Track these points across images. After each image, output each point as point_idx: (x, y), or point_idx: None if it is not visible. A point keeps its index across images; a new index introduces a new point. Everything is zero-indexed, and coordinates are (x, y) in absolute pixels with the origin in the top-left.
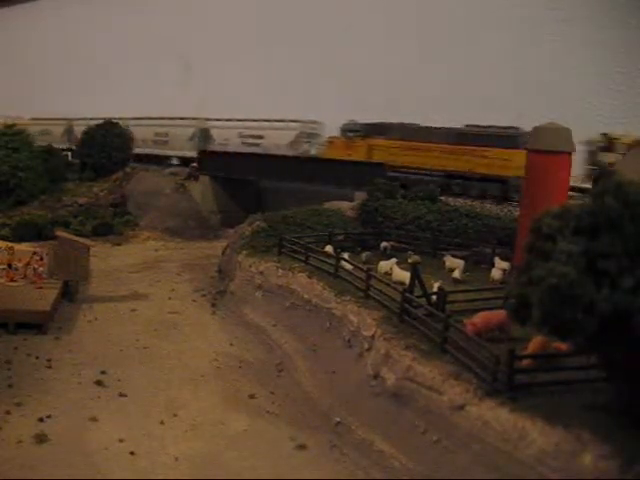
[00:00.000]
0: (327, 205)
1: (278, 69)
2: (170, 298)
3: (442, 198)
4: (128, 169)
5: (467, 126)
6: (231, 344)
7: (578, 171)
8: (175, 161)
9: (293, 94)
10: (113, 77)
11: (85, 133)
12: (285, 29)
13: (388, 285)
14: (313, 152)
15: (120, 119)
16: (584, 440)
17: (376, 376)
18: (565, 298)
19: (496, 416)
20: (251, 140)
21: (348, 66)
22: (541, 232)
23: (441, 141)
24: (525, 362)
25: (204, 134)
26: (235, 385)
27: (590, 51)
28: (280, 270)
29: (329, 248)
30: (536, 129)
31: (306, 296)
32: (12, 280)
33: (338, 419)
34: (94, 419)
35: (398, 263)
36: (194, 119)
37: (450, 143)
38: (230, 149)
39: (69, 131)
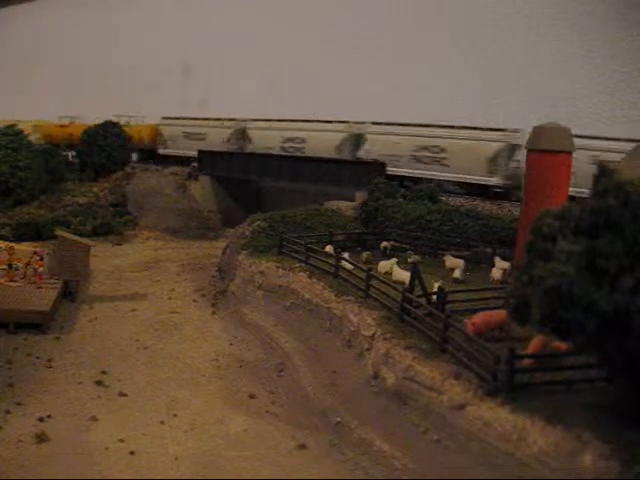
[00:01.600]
0: (327, 205)
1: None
2: (170, 298)
3: (442, 198)
4: (128, 169)
5: None
6: (231, 344)
7: None
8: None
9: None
10: (114, 77)
11: (85, 133)
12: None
13: (388, 285)
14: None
15: (292, 121)
16: (584, 440)
17: (376, 376)
18: (565, 298)
19: (496, 416)
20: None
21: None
22: (541, 232)
23: None
24: (525, 362)
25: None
26: (235, 385)
27: (590, 51)
28: (280, 270)
29: (329, 248)
30: (536, 129)
31: (306, 296)
32: (12, 280)
33: (338, 419)
34: (94, 419)
35: (398, 263)
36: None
37: None
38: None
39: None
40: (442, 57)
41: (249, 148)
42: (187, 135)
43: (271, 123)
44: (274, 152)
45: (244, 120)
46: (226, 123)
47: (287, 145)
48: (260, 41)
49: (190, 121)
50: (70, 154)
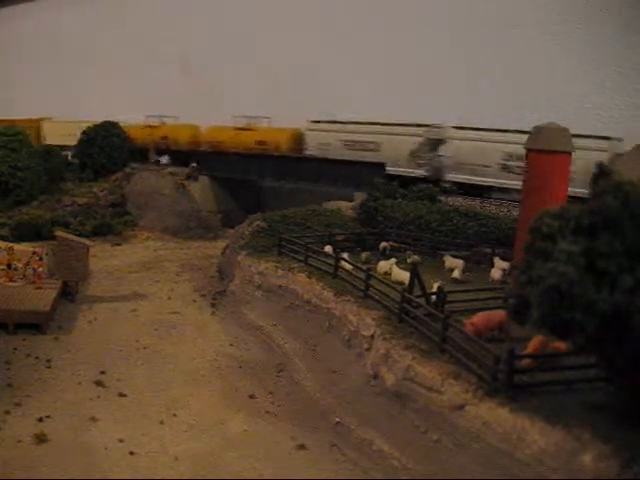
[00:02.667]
0: (326, 205)
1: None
2: (170, 298)
3: (442, 198)
4: (128, 169)
5: None
6: (231, 344)
7: None
8: None
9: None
10: (113, 77)
11: (84, 133)
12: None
13: (388, 285)
14: None
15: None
16: (584, 440)
17: (376, 376)
18: (565, 298)
19: (496, 416)
20: None
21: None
22: (540, 232)
23: None
24: (525, 362)
25: None
26: (235, 385)
27: (590, 51)
28: (280, 270)
29: (328, 248)
30: (536, 129)
31: (306, 296)
32: (11, 280)
33: (338, 419)
34: (94, 419)
35: (398, 263)
36: None
37: None
38: None
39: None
40: (441, 56)
41: (445, 163)
42: (349, 144)
43: (487, 134)
44: (488, 171)
45: (440, 127)
46: (412, 130)
47: (512, 163)
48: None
49: (355, 126)
50: (69, 154)
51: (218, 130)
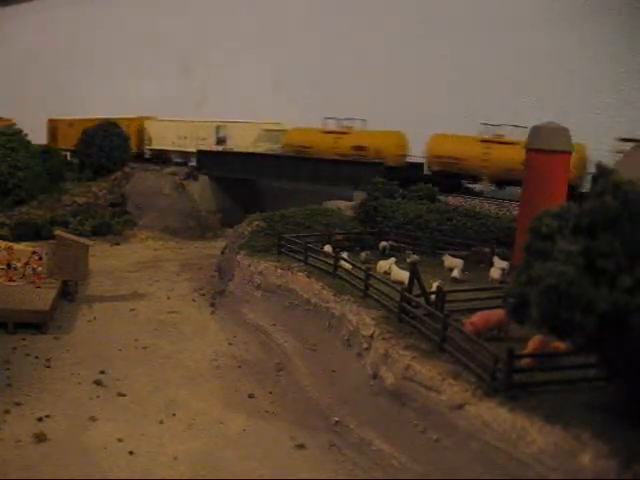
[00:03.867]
0: (326, 205)
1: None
2: (169, 298)
3: (441, 197)
4: (127, 169)
5: None
6: (230, 344)
7: None
8: None
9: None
10: (113, 77)
11: (84, 133)
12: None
13: (387, 285)
14: None
15: None
16: (583, 439)
17: (375, 376)
18: (564, 297)
19: (495, 415)
20: None
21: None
22: (540, 231)
23: None
24: (524, 361)
25: None
26: (234, 385)
27: (590, 51)
28: (279, 270)
29: (328, 247)
30: (535, 129)
31: (305, 296)
32: (11, 280)
33: (337, 418)
34: (93, 419)
35: (397, 262)
36: None
37: None
38: None
39: None
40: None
41: None
42: None
43: None
44: None
45: None
46: None
47: None
48: None
49: None
50: (68, 154)
51: (454, 142)
